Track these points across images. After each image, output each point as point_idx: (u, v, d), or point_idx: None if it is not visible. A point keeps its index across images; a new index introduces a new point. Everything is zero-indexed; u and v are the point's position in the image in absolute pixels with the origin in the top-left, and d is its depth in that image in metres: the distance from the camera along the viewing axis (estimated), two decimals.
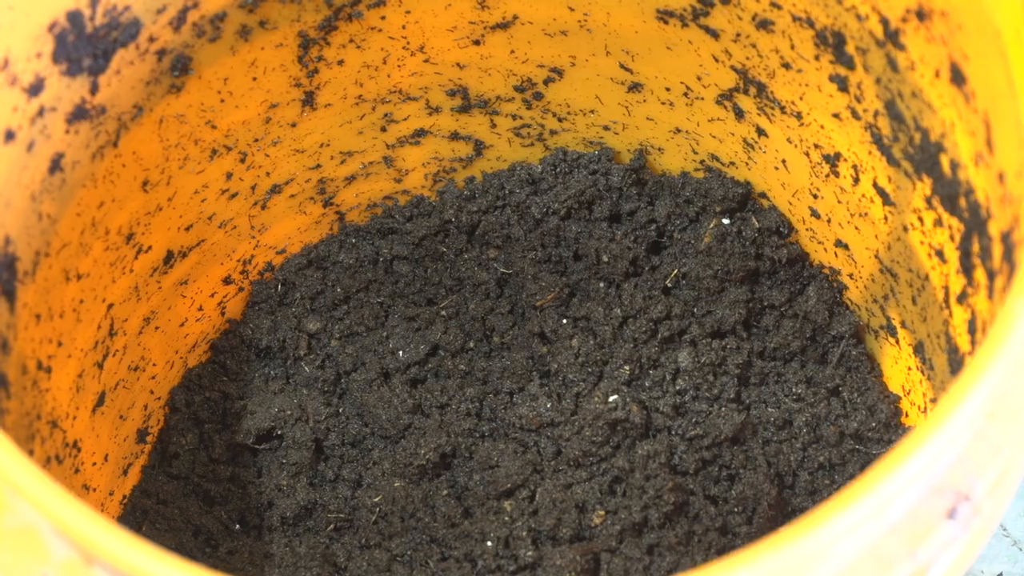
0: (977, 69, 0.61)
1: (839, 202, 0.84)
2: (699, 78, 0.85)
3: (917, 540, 0.50)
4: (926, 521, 0.50)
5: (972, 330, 0.67)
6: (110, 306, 0.82)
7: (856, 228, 0.83)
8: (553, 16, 0.85)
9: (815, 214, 0.87)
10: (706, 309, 0.89)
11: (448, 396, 0.88)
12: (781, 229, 0.91)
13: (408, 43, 0.86)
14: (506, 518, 0.82)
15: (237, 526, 0.85)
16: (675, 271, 0.90)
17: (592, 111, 0.92)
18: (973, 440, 0.51)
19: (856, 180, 0.80)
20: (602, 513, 0.80)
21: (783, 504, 0.82)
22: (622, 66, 0.88)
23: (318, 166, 0.91)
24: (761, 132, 0.86)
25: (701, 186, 0.92)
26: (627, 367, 0.86)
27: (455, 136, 0.94)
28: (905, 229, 0.76)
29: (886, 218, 0.78)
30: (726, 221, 0.90)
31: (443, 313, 0.91)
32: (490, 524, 0.82)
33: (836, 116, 0.79)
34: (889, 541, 0.49)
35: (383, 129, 0.92)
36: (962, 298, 0.69)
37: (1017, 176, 0.56)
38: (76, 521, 0.47)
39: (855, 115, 0.76)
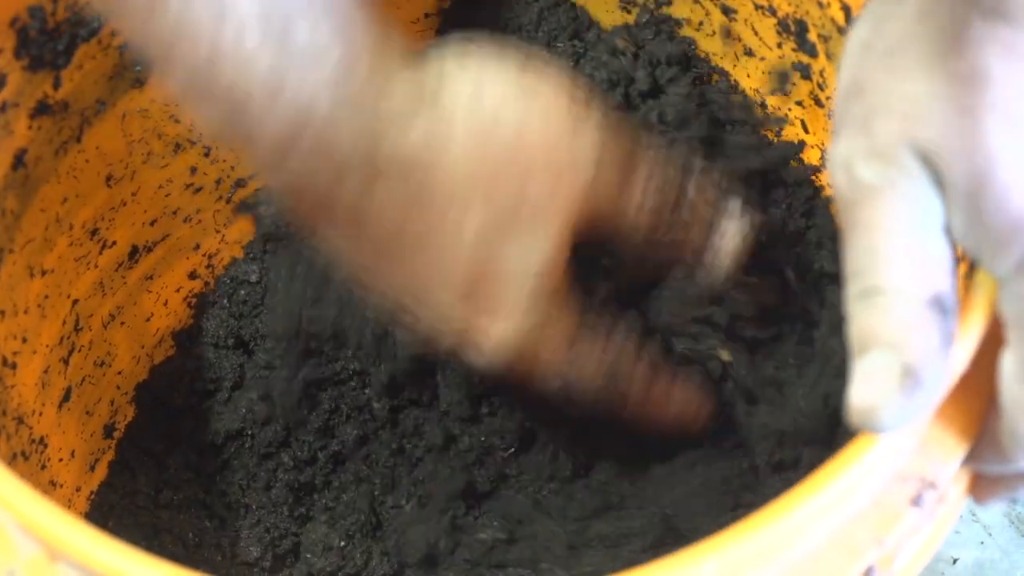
0: None
1: None
2: None
3: (883, 527, 0.50)
4: (891, 508, 0.50)
5: None
6: (75, 302, 0.82)
7: None
8: None
9: None
10: None
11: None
12: None
13: None
14: None
15: (206, 522, 0.85)
16: None
17: None
18: (940, 424, 0.51)
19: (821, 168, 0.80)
20: None
21: None
22: None
23: None
24: None
25: None
26: None
27: None
28: None
29: None
30: None
31: None
32: None
33: (799, 104, 0.79)
34: (855, 528, 0.49)
35: None
36: None
37: None
38: (41, 518, 0.46)
39: (818, 103, 0.77)
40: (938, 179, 0.47)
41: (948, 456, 0.51)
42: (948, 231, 0.48)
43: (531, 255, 0.63)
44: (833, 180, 0.50)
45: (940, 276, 0.48)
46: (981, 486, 0.54)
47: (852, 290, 0.49)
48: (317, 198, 0.62)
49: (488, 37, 0.68)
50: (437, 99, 0.61)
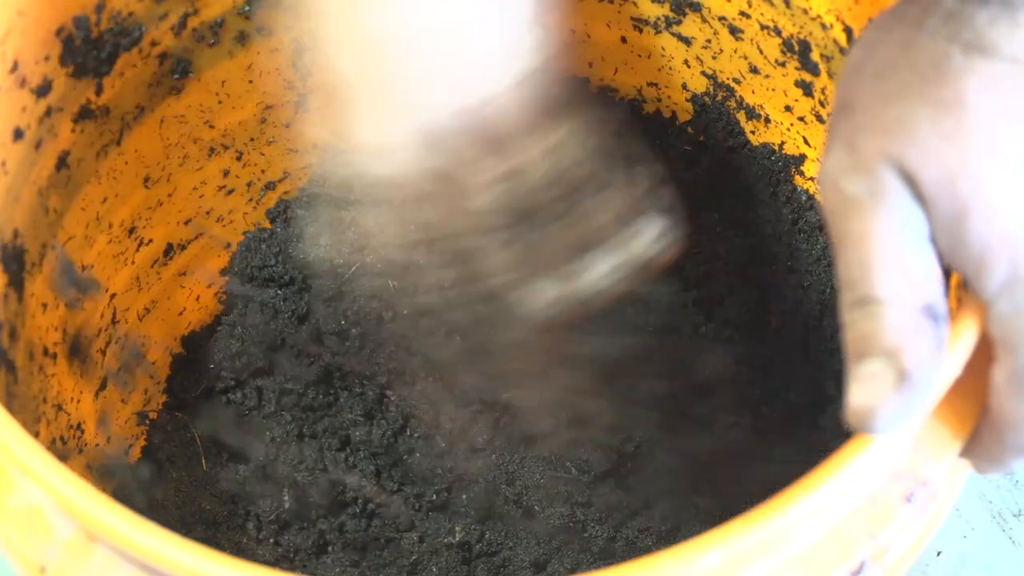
0: None
1: None
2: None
3: (877, 522, 0.49)
4: (885, 505, 0.50)
5: None
6: (112, 296, 0.81)
7: None
8: None
9: None
10: None
11: None
12: None
13: None
14: None
15: (231, 504, 0.84)
16: None
17: None
18: (932, 425, 0.51)
19: None
20: None
21: None
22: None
23: (309, 165, 0.91)
24: None
25: None
26: None
27: None
28: None
29: None
30: None
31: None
32: None
33: (802, 119, 0.79)
34: (851, 523, 0.49)
35: None
36: None
37: None
38: (79, 500, 0.46)
39: (819, 119, 0.77)
40: (917, 195, 0.47)
41: (940, 456, 0.51)
42: (933, 241, 0.48)
43: None
44: (822, 196, 0.50)
45: (930, 284, 0.48)
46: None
47: (847, 299, 0.48)
48: None
49: None
50: None
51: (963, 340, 0.48)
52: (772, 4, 0.74)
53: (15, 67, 0.65)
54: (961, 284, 0.50)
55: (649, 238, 0.66)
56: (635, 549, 0.79)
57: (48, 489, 0.46)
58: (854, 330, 0.48)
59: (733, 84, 0.81)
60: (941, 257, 0.48)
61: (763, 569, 0.47)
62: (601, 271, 0.66)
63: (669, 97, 0.86)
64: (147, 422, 0.86)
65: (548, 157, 0.63)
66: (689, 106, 0.85)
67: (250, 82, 0.82)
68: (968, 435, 0.51)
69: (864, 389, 0.47)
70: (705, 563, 0.45)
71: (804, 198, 0.82)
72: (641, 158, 0.67)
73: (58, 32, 0.68)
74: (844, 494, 0.48)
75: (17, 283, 0.68)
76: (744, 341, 0.83)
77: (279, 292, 0.88)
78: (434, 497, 0.83)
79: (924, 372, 0.47)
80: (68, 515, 0.47)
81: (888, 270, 0.47)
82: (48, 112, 0.69)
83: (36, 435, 0.70)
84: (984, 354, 0.50)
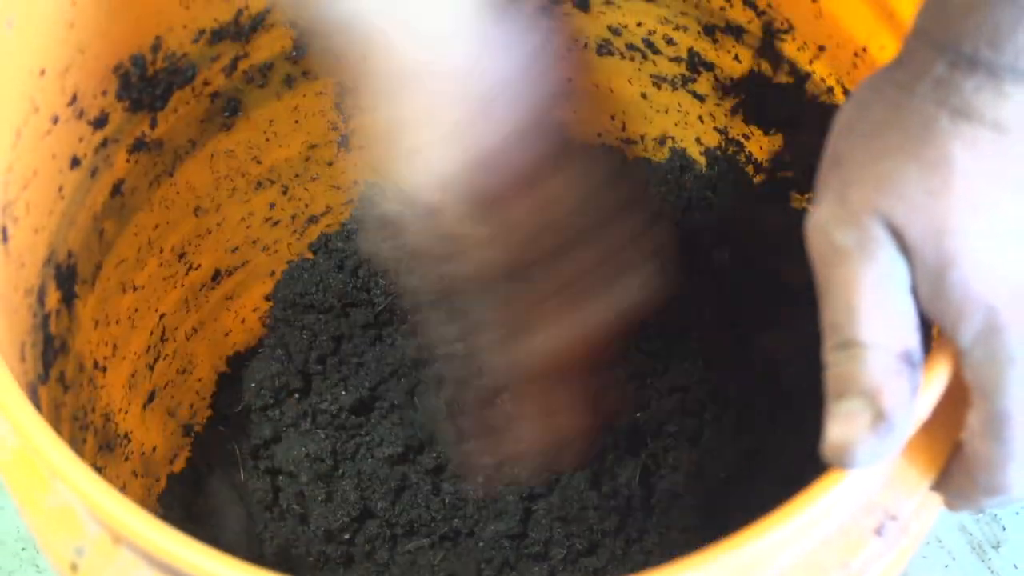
0: None
1: None
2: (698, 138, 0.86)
3: (848, 552, 0.50)
4: (857, 536, 0.50)
5: None
6: (162, 316, 0.83)
7: None
8: None
9: None
10: None
11: None
12: None
13: None
14: None
15: (267, 513, 0.85)
16: None
17: None
18: (903, 463, 0.51)
19: None
20: None
21: None
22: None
23: (351, 201, 0.92)
24: None
25: None
26: None
27: None
28: None
29: None
30: None
31: None
32: None
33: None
34: (823, 552, 0.49)
35: None
36: None
37: None
38: (106, 504, 0.47)
39: None
40: (903, 248, 0.48)
41: (910, 492, 0.51)
42: (914, 291, 0.48)
43: None
44: (811, 243, 0.50)
45: (909, 332, 0.48)
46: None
47: (831, 341, 0.49)
48: None
49: None
50: None
51: (935, 383, 0.49)
52: (777, 66, 0.75)
53: (74, 99, 0.67)
54: (935, 332, 0.50)
55: (635, 286, 0.66)
56: None
57: (78, 492, 0.47)
58: (836, 370, 0.49)
59: (742, 139, 0.82)
60: (921, 307, 0.49)
61: None
62: (589, 320, 0.67)
63: (684, 149, 0.87)
64: (192, 434, 0.88)
65: (542, 210, 0.64)
66: (703, 159, 0.85)
67: (296, 122, 0.83)
68: (938, 472, 0.52)
69: (842, 426, 0.48)
70: None
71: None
72: (633, 206, 0.68)
73: (116, 69, 0.70)
74: (817, 524, 0.49)
75: (69, 300, 0.69)
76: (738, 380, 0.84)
77: (319, 318, 0.89)
78: (458, 523, 0.83)
79: (899, 414, 0.47)
80: (95, 517, 0.48)
81: (872, 316, 0.48)
82: (104, 143, 0.71)
83: (83, 442, 0.71)
84: (952, 397, 0.50)
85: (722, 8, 0.74)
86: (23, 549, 0.94)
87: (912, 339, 0.48)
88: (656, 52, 0.80)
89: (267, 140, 0.83)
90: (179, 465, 0.86)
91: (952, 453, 0.52)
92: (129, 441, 0.79)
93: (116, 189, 0.73)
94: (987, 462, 0.50)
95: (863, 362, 0.48)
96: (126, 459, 0.78)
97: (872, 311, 0.48)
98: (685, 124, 0.84)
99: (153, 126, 0.74)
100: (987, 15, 0.47)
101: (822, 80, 0.71)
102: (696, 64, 0.79)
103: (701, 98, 0.81)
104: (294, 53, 0.79)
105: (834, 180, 0.50)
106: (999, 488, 0.51)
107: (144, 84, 0.72)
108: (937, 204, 0.47)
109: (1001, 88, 0.47)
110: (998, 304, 0.47)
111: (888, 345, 0.48)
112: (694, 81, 0.81)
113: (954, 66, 0.48)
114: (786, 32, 0.72)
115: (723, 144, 0.83)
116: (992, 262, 0.47)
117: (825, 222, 0.49)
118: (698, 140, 0.85)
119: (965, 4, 0.48)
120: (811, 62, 0.71)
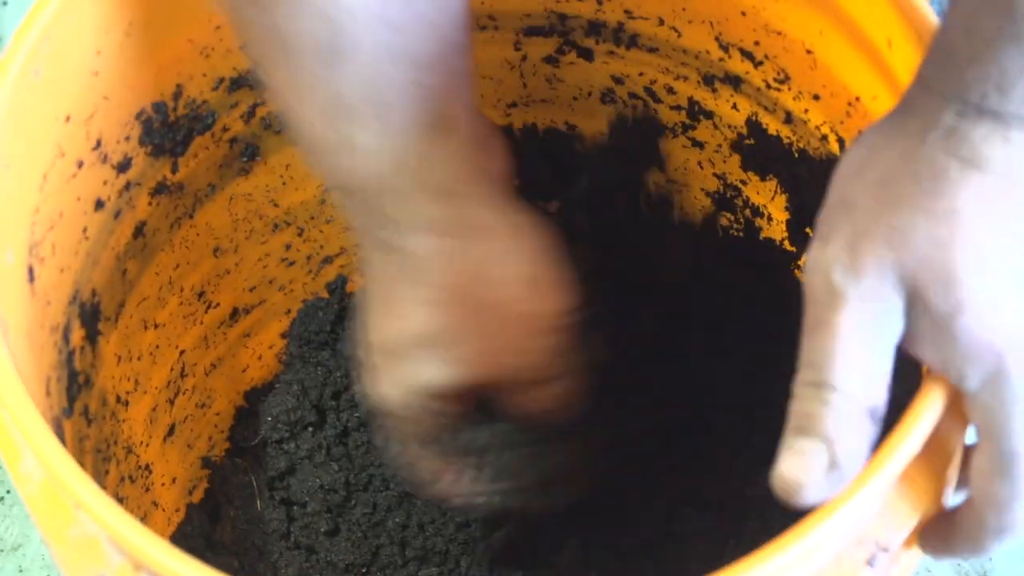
0: None
1: None
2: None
3: None
4: (849, 567, 0.50)
5: None
6: (182, 352, 0.83)
7: None
8: None
9: None
10: None
11: None
12: None
13: None
14: None
15: (282, 542, 0.86)
16: None
17: None
18: (894, 497, 0.51)
19: None
20: None
21: None
22: None
23: None
24: None
25: None
26: None
27: None
28: None
29: None
30: None
31: None
32: None
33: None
34: None
35: None
36: None
37: None
38: (127, 533, 0.48)
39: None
40: (910, 299, 0.48)
41: (901, 525, 0.51)
42: (916, 339, 0.49)
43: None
44: (809, 279, 0.50)
45: (880, 390, 0.49)
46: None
47: (804, 377, 0.50)
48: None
49: None
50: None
51: (926, 419, 0.49)
52: (773, 114, 0.75)
53: (98, 144, 0.67)
54: (928, 373, 0.51)
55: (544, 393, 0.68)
56: None
57: (101, 523, 0.48)
58: (801, 405, 0.49)
59: (740, 185, 0.83)
60: (925, 354, 0.49)
61: None
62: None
63: (688, 193, 0.87)
64: (210, 466, 0.88)
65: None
66: (708, 201, 0.86)
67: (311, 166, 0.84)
68: (928, 507, 0.52)
69: (796, 463, 0.49)
70: None
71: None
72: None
73: (138, 115, 0.70)
74: (809, 556, 0.49)
75: (93, 337, 0.69)
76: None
77: (333, 354, 0.90)
78: (469, 558, 0.84)
79: (852, 466, 0.48)
80: (117, 546, 0.49)
81: (851, 365, 0.49)
82: (127, 186, 0.71)
83: (106, 473, 0.71)
84: (941, 435, 0.50)
85: (721, 59, 0.75)
86: None
87: (881, 396, 0.49)
88: (657, 100, 0.80)
89: (284, 184, 0.84)
90: (198, 496, 0.87)
91: (943, 515, 0.53)
92: (150, 472, 0.79)
93: (138, 230, 0.74)
94: (996, 501, 0.50)
95: (830, 406, 0.48)
96: (147, 490, 0.79)
97: (853, 360, 0.49)
98: (685, 170, 0.84)
99: (174, 170, 0.75)
100: (993, 63, 0.48)
101: (816, 128, 0.72)
102: (696, 112, 0.80)
103: (700, 145, 0.82)
104: None
105: (844, 225, 0.50)
106: (1008, 527, 0.51)
107: (166, 130, 0.73)
108: (944, 255, 0.48)
109: (1008, 135, 0.48)
110: (1004, 349, 0.48)
111: (858, 396, 0.48)
112: (694, 128, 0.81)
113: (962, 115, 0.49)
114: (782, 82, 0.72)
115: (721, 188, 0.84)
116: (998, 310, 0.48)
117: (829, 264, 0.50)
118: (701, 188, 0.86)
119: (971, 53, 0.48)
120: (806, 111, 0.72)
